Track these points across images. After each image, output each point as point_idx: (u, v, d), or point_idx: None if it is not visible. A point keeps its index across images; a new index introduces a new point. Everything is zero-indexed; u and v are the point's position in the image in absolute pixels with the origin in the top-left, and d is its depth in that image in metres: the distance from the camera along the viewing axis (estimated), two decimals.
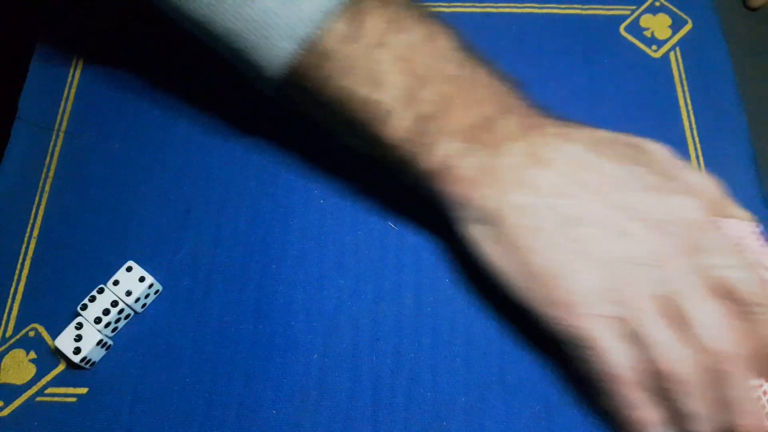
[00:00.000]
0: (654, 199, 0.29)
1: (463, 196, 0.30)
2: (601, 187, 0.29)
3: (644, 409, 0.29)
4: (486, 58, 0.32)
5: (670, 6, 0.45)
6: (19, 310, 0.36)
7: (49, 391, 0.34)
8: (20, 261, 0.37)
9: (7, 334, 0.35)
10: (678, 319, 0.28)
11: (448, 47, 0.31)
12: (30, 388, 0.34)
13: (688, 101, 0.41)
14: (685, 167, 0.31)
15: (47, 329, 0.35)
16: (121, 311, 0.34)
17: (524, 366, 0.34)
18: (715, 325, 0.28)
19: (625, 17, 0.44)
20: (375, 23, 0.29)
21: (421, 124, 0.30)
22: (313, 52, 0.29)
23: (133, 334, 0.35)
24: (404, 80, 0.30)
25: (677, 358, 0.28)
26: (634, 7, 0.45)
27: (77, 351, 0.33)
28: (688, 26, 0.44)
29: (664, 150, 0.32)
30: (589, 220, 0.29)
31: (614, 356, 0.28)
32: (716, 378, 0.28)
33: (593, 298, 0.28)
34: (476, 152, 0.30)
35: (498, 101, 0.31)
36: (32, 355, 0.35)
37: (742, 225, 0.31)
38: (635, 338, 0.28)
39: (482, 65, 0.32)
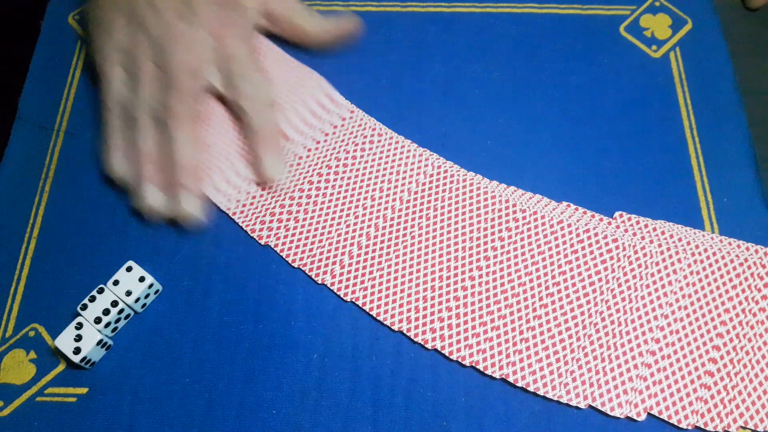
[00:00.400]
0: (211, 12, 0.38)
1: None
2: None
3: (114, 137, 0.38)
4: None
5: (670, 6, 0.45)
6: (19, 310, 0.36)
7: (49, 391, 0.34)
8: (20, 261, 0.37)
9: (7, 334, 0.35)
10: (163, 83, 0.37)
11: None
12: (30, 388, 0.34)
13: (688, 101, 0.41)
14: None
15: (47, 329, 0.35)
16: (121, 311, 0.34)
17: None
18: (174, 95, 0.36)
19: (625, 17, 0.44)
20: None
21: None
22: None
23: (133, 334, 0.35)
24: None
25: (140, 103, 0.37)
26: (634, 7, 0.45)
27: (77, 351, 0.33)
28: (688, 26, 0.44)
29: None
30: (152, 11, 0.37)
31: (110, 88, 0.38)
32: (164, 129, 0.36)
33: (117, 49, 0.38)
34: None
35: None
36: (32, 355, 0.35)
37: (311, 75, 0.41)
38: (131, 85, 0.37)
39: None
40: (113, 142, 0.37)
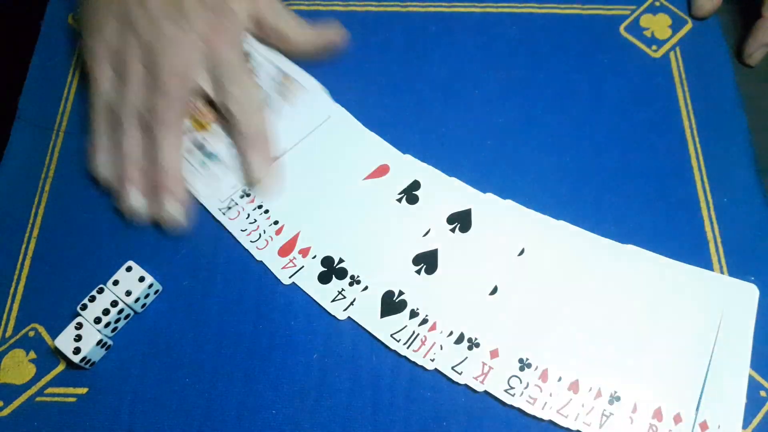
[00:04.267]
0: (202, 16, 0.38)
1: None
2: None
3: (99, 138, 0.38)
4: None
5: (670, 6, 0.45)
6: (19, 310, 0.35)
7: (48, 391, 0.34)
8: (20, 261, 0.37)
9: (7, 334, 0.35)
10: (151, 86, 0.37)
11: None
12: (30, 388, 0.34)
13: (688, 101, 0.41)
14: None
15: (47, 329, 0.35)
16: (120, 311, 0.34)
17: None
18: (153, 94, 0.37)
19: (625, 17, 0.44)
20: None
21: None
22: None
23: (133, 334, 0.35)
24: None
25: (127, 105, 0.37)
26: (634, 7, 0.45)
27: (77, 351, 0.33)
28: (688, 26, 0.44)
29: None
30: (143, 13, 0.37)
31: (98, 89, 0.38)
32: (149, 133, 0.37)
33: (107, 49, 0.38)
34: None
35: None
36: (32, 355, 0.35)
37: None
38: (119, 87, 0.38)
39: None
40: (98, 143, 0.38)
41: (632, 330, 0.34)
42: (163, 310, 0.36)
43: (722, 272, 0.36)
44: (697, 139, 0.40)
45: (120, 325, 0.35)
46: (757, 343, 0.34)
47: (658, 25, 0.44)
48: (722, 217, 0.37)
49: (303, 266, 0.36)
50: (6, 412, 0.33)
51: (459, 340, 0.34)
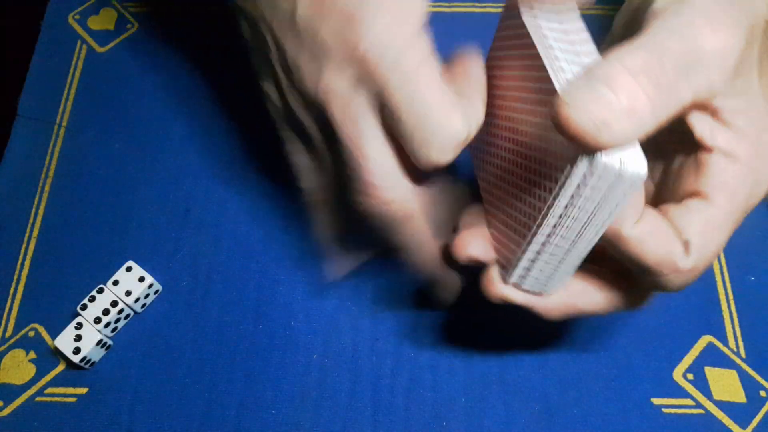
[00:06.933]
0: None
1: None
2: None
3: None
4: None
5: None
6: (19, 310, 0.36)
7: (48, 391, 0.34)
8: (20, 261, 0.37)
9: (7, 334, 0.35)
10: None
11: None
12: (30, 388, 0.34)
13: None
14: None
15: (47, 329, 0.35)
16: (120, 311, 0.34)
17: (524, 366, 0.34)
18: None
19: None
20: None
21: None
22: None
23: (133, 334, 0.35)
24: None
25: None
26: None
27: (77, 351, 0.33)
28: None
29: None
30: None
31: None
32: None
33: None
34: None
35: None
36: (32, 355, 0.35)
37: None
38: None
39: None
40: None
41: None
42: (163, 310, 0.36)
43: (722, 272, 0.36)
44: None
45: (120, 325, 0.35)
46: (756, 341, 0.34)
47: None
48: None
49: None
50: (6, 412, 0.33)
51: None
